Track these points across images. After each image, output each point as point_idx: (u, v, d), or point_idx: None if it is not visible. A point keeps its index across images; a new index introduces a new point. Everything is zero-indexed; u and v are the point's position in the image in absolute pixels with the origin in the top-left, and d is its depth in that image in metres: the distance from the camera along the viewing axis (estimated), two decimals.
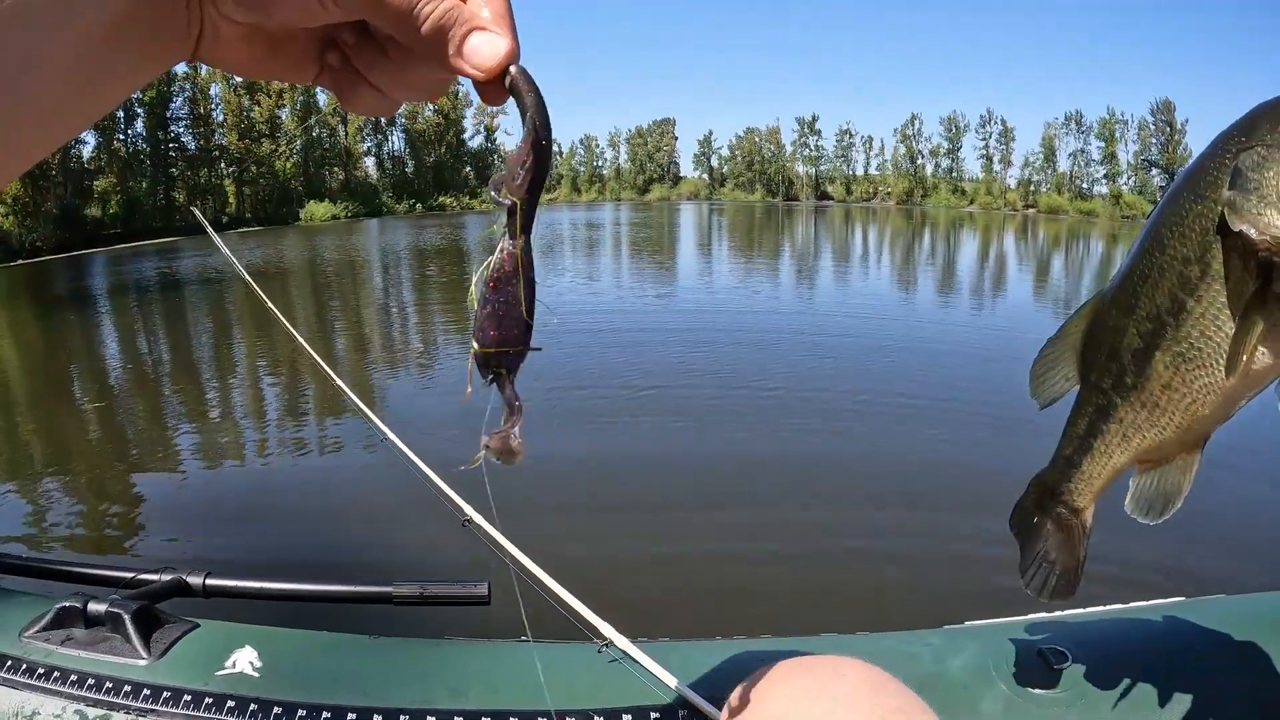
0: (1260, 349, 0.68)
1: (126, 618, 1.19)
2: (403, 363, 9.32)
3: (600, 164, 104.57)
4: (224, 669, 1.17)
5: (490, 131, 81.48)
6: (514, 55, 0.50)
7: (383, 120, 70.83)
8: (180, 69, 54.14)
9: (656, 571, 4.05)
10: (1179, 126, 70.09)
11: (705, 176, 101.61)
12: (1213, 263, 0.68)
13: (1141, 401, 0.78)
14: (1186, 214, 0.70)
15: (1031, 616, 1.38)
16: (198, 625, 1.26)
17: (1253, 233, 0.64)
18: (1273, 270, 0.65)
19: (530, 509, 4.50)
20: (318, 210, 53.96)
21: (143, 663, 1.17)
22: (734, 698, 0.81)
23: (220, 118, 55.92)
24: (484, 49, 0.49)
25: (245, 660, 1.17)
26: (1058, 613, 1.37)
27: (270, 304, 2.76)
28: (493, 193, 0.50)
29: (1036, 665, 1.16)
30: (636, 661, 1.17)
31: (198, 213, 4.15)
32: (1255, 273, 0.66)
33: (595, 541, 4.33)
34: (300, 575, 1.30)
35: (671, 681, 1.12)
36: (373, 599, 1.24)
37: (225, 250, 2.67)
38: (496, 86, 0.50)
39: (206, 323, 13.42)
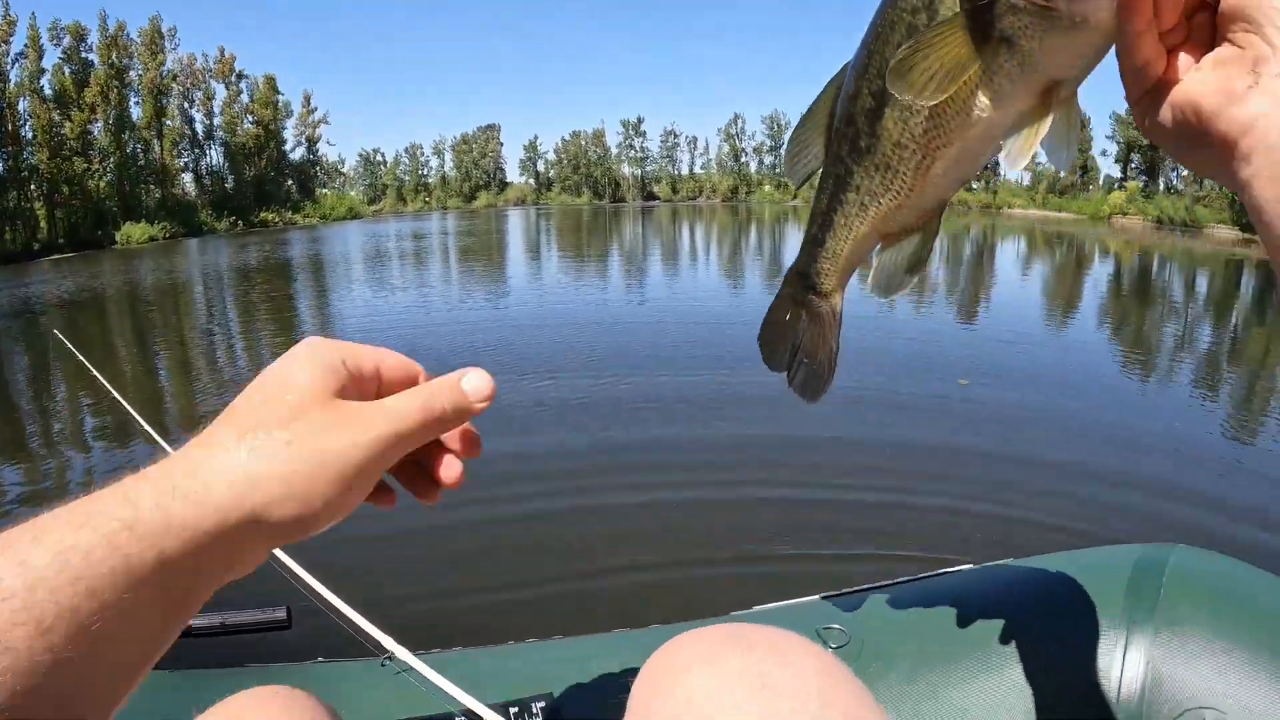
0: (983, 97, 0.65)
1: None
2: (204, 392, 8.82)
3: (425, 172, 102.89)
4: None
5: (312, 142, 79.20)
6: None
7: (200, 133, 67.71)
8: None
9: (454, 582, 3.95)
10: None
11: (532, 181, 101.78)
12: (939, 8, 0.64)
13: (875, 164, 0.74)
14: None
15: (818, 598, 1.41)
16: None
17: None
18: (993, 8, 0.62)
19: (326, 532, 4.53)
20: (134, 232, 50.12)
21: None
22: (635, 691, 0.67)
23: (30, 135, 50.99)
24: None
25: None
26: (844, 590, 1.42)
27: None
28: None
29: None
30: (419, 673, 1.22)
31: (59, 333, 3.96)
32: (976, 13, 0.63)
33: (388, 558, 4.13)
34: None
35: (453, 690, 1.16)
36: None
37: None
38: None
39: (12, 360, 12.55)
